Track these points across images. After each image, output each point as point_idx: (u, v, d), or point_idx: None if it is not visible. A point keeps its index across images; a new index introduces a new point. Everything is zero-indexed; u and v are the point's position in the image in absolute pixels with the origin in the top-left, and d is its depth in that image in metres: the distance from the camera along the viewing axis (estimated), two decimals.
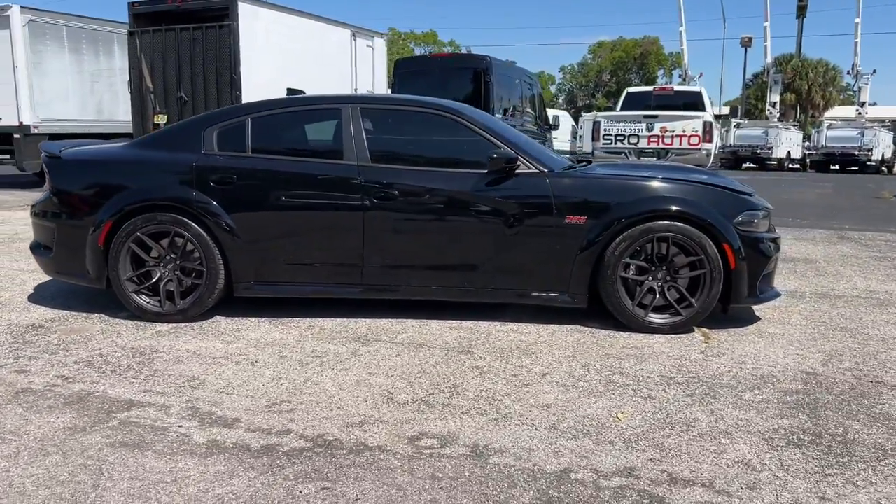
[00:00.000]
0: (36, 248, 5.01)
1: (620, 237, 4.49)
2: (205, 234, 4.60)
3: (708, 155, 12.59)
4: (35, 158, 14.51)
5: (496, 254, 4.60)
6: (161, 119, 14.20)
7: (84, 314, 4.86)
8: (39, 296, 5.37)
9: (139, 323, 4.66)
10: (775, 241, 4.75)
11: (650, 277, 4.57)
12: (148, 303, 4.71)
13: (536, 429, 3.10)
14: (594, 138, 13.45)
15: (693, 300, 4.54)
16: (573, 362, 3.98)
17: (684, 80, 30.79)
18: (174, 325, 4.64)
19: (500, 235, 4.57)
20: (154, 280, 4.71)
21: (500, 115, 13.22)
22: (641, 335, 4.50)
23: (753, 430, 3.11)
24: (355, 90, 17.28)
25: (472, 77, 13.14)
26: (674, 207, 4.48)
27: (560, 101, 69.74)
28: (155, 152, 4.81)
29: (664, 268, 4.56)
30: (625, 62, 72.20)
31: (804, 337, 4.52)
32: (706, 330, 4.62)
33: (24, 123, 14.39)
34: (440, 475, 2.69)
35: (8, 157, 14.78)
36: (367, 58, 17.42)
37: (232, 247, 4.62)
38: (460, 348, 4.21)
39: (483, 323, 4.72)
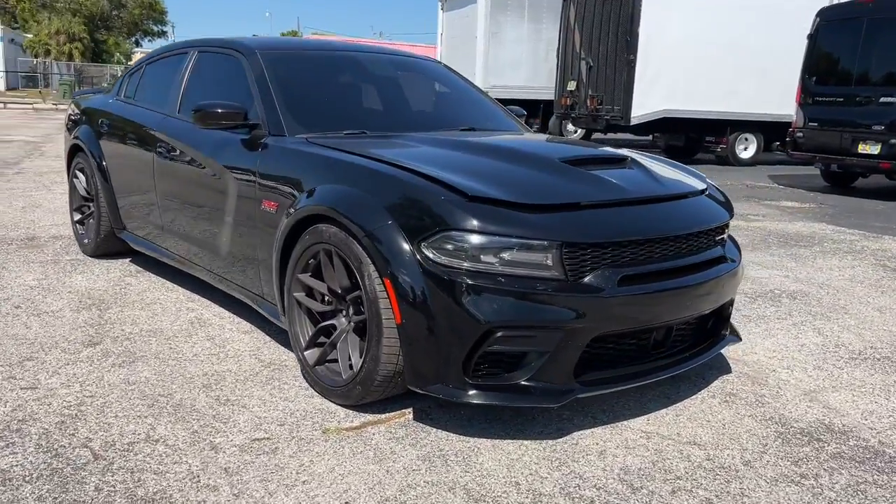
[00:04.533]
0: None
1: (298, 241, 2.99)
2: (93, 175, 4.76)
3: None
4: None
5: (225, 238, 3.57)
6: (571, 85, 14.10)
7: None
8: None
9: (74, 253, 5.14)
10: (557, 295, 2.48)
11: (343, 311, 2.92)
12: (80, 233, 5.15)
13: None
14: None
15: (358, 360, 2.76)
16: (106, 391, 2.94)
17: None
18: (89, 258, 4.98)
19: (227, 215, 3.53)
20: (86, 214, 5.11)
21: None
22: (312, 394, 2.97)
23: None
24: None
25: None
26: (340, 206, 2.75)
27: None
28: (106, 97, 5.12)
29: (352, 300, 2.85)
30: None
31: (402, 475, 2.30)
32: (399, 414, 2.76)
33: None
34: None
35: None
36: None
37: (105, 190, 4.68)
38: (104, 336, 3.49)
39: (235, 319, 3.76)
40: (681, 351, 2.95)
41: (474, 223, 2.47)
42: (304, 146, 3.14)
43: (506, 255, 2.46)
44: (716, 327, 3.15)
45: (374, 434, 2.63)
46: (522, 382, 2.53)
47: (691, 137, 14.65)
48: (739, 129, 13.78)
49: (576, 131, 16.94)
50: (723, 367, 3.40)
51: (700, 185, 3.21)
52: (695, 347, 3.01)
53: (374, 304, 2.59)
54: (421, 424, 2.71)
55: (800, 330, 4.03)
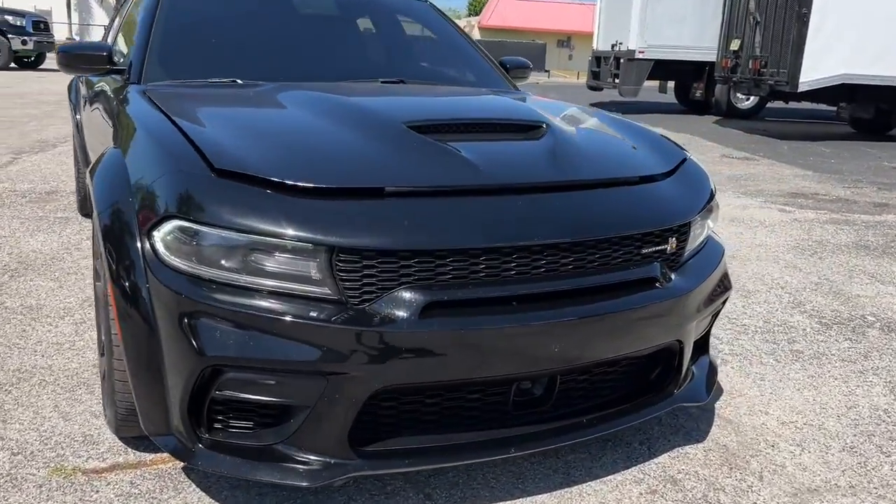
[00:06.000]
0: None
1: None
2: (75, 132, 4.46)
3: None
4: (634, 84, 14.63)
5: None
6: (735, 44, 12.33)
7: None
8: None
9: (72, 210, 4.91)
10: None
11: None
12: (77, 189, 4.90)
13: None
14: None
15: None
16: None
17: None
18: (81, 216, 4.73)
19: None
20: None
21: None
22: (101, 413, 2.38)
23: None
24: None
25: None
26: (95, 177, 2.09)
27: None
28: None
29: None
30: None
31: None
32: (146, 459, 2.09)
33: (630, 48, 14.47)
34: None
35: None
36: None
37: (80, 147, 4.33)
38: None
39: None
40: (579, 412, 1.98)
41: (211, 209, 1.69)
42: (133, 97, 2.48)
43: (257, 261, 1.67)
44: (661, 379, 2.13)
45: (110, 483, 1.96)
46: (275, 446, 1.74)
47: (882, 109, 12.27)
48: None
49: (747, 99, 14.91)
50: (695, 432, 2.36)
51: (657, 169, 2.17)
52: (609, 408, 2.02)
53: (104, 312, 1.91)
54: (183, 476, 2.00)
55: (864, 381, 2.82)
